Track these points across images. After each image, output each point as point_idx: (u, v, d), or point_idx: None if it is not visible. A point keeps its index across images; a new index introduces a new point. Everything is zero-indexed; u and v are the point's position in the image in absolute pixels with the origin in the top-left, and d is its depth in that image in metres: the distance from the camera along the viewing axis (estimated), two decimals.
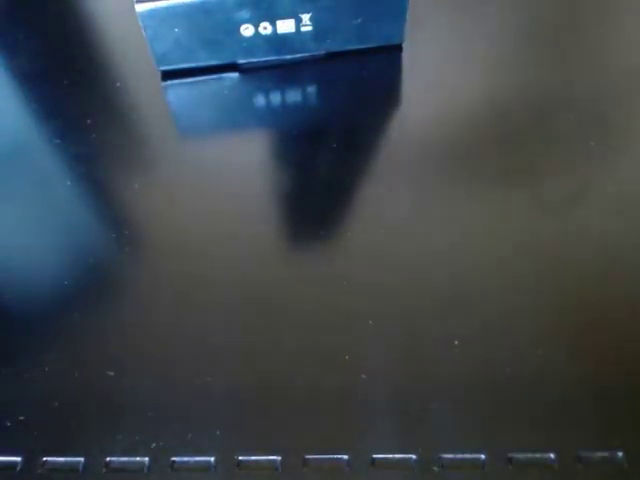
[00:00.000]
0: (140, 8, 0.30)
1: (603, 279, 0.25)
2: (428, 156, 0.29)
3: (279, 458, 0.21)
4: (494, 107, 0.31)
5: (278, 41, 0.32)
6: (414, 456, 0.21)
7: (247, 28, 0.31)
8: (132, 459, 0.21)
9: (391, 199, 0.28)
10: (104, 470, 0.21)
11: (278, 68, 0.33)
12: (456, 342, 0.23)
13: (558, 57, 0.33)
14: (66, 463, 0.22)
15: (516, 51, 0.34)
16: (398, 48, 0.34)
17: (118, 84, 0.33)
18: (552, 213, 0.27)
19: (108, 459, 0.22)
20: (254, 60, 0.33)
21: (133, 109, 0.33)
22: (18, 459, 0.22)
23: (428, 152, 0.30)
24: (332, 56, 0.33)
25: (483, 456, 0.21)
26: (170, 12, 0.30)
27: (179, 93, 0.33)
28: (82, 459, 0.22)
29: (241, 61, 0.33)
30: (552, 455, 0.21)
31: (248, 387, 0.23)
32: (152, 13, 0.30)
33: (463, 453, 0.21)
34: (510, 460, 0.21)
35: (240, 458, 0.21)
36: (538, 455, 0.21)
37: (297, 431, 0.22)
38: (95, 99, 0.33)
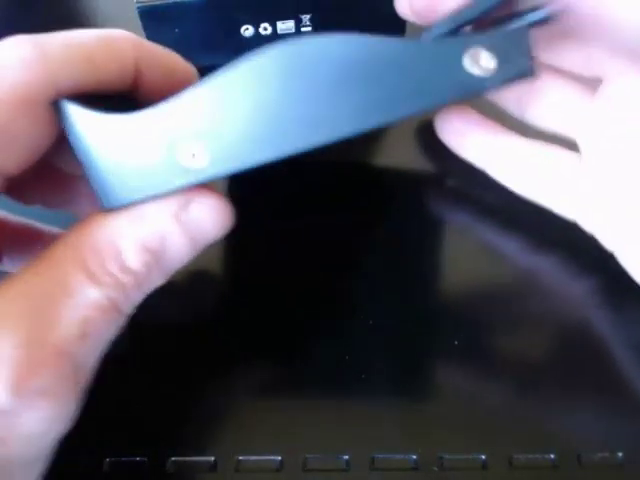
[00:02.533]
0: (140, 7, 0.30)
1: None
2: (428, 155, 0.29)
3: (279, 458, 0.21)
4: (494, 106, 0.31)
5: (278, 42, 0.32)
6: (414, 456, 0.21)
7: (247, 29, 0.31)
8: (132, 459, 0.21)
9: (391, 199, 0.28)
10: (104, 470, 0.21)
11: None
12: (456, 342, 0.23)
13: None
14: (66, 463, 0.21)
15: None
16: None
17: None
18: None
19: (108, 459, 0.21)
20: None
21: None
22: None
23: (428, 151, 0.30)
24: None
25: (483, 456, 0.21)
26: (170, 12, 0.30)
27: None
28: (82, 459, 0.21)
29: None
30: (552, 456, 0.21)
31: (248, 387, 0.23)
32: (152, 13, 0.30)
33: (463, 453, 0.21)
34: (510, 460, 0.21)
35: (240, 458, 0.21)
36: (538, 456, 0.21)
37: (297, 431, 0.22)
38: None
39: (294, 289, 0.25)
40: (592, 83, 0.23)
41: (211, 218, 0.19)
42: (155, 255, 0.19)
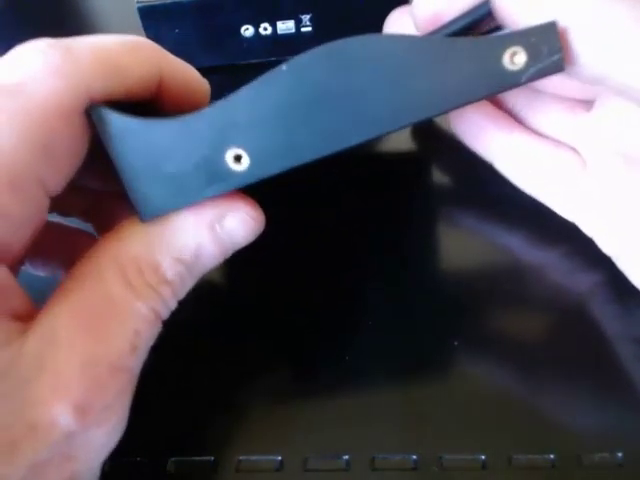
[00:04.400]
0: (140, 7, 0.30)
1: None
2: (429, 156, 0.30)
3: (279, 458, 0.21)
4: None
5: (278, 42, 0.32)
6: (414, 456, 0.21)
7: (247, 29, 0.31)
8: (132, 459, 0.21)
9: (393, 197, 0.28)
10: (104, 470, 0.21)
11: None
12: (456, 343, 0.23)
13: None
14: None
15: None
16: None
17: None
18: None
19: (108, 460, 0.21)
20: (254, 61, 0.33)
21: None
22: None
23: (429, 151, 0.30)
24: None
25: (483, 456, 0.21)
26: (170, 12, 0.30)
27: None
28: None
29: (241, 62, 0.33)
30: (552, 456, 0.21)
31: (248, 387, 0.23)
32: (152, 13, 0.30)
33: (463, 453, 0.21)
34: (510, 460, 0.21)
35: (240, 458, 0.21)
36: (538, 456, 0.21)
37: (297, 431, 0.22)
38: None
39: (293, 289, 0.25)
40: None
41: (245, 228, 0.19)
42: (189, 266, 0.19)
